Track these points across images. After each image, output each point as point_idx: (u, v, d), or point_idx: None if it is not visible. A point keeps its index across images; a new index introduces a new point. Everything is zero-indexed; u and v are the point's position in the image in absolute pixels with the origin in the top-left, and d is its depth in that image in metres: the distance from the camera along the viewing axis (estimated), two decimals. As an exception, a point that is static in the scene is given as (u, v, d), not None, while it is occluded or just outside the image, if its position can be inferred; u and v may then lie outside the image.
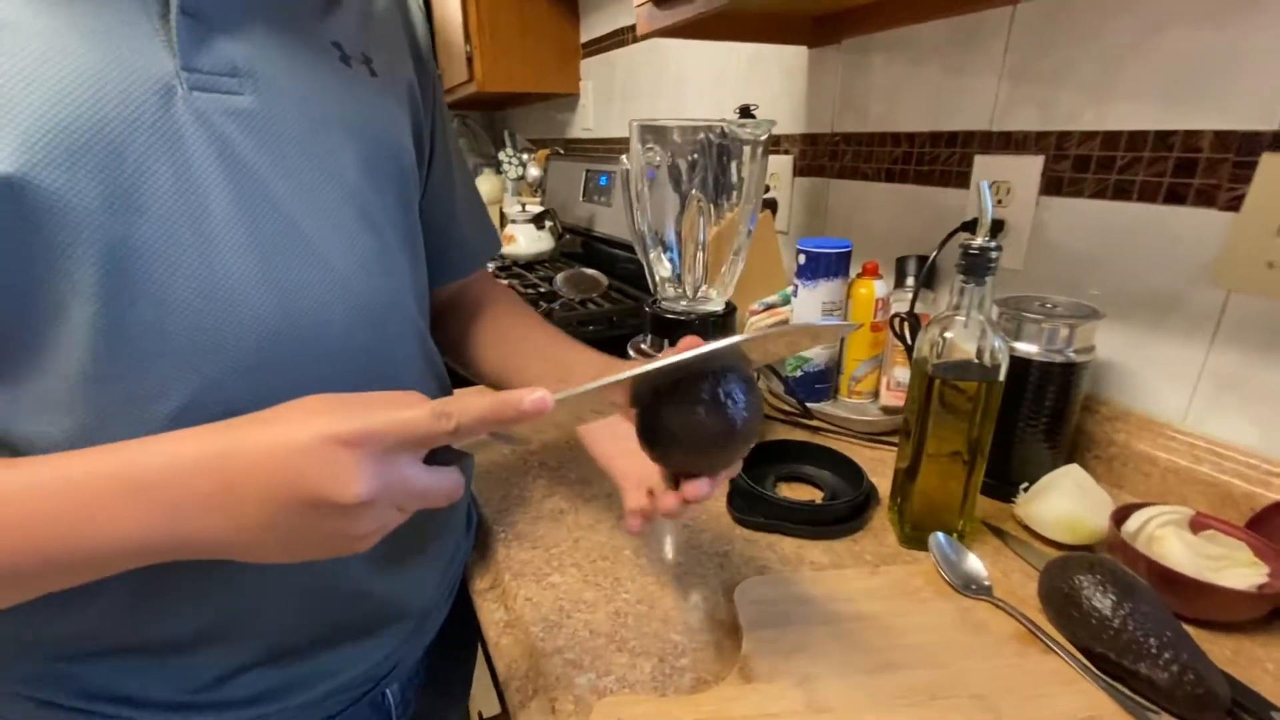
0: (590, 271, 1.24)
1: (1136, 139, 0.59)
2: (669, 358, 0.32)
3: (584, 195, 1.49)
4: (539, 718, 0.40)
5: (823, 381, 0.79)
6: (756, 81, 1.07)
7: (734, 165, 0.64)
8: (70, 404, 0.32)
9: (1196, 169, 0.55)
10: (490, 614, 0.49)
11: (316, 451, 0.27)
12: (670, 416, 0.35)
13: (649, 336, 0.67)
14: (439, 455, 0.32)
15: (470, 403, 0.29)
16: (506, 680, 0.43)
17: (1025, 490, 0.57)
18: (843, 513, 0.56)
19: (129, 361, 0.32)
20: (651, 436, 0.36)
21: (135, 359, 0.32)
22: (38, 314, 0.31)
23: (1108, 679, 0.39)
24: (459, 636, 0.58)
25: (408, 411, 0.29)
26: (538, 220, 1.51)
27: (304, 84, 0.39)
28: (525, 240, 1.50)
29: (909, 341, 0.70)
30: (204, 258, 0.33)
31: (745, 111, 0.89)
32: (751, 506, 0.58)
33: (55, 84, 0.29)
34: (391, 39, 0.47)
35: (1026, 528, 0.56)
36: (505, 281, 1.37)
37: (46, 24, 0.29)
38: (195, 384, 0.33)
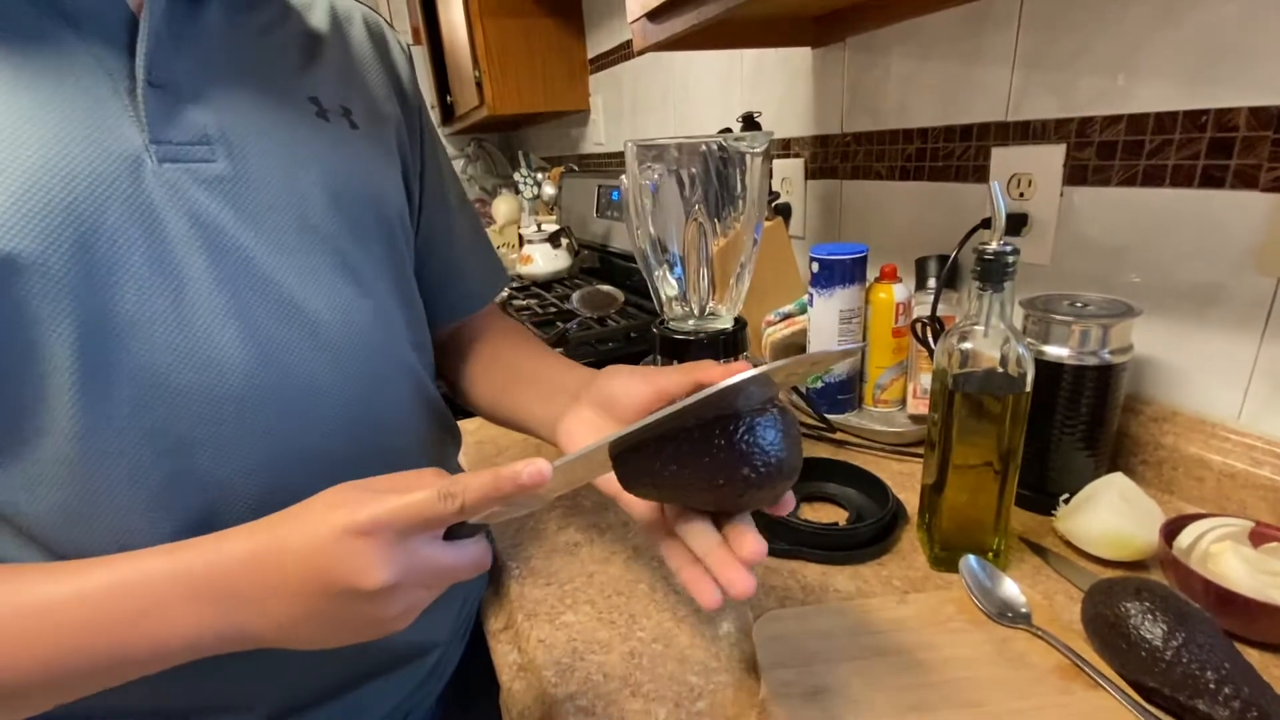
0: (605, 288, 1.23)
1: (1165, 120, 0.55)
2: (664, 410, 0.30)
3: (597, 211, 1.49)
4: (551, 770, 0.39)
5: (845, 392, 0.76)
6: (763, 85, 1.05)
7: (737, 177, 0.62)
8: (58, 479, 0.32)
9: (1233, 149, 0.51)
10: (504, 656, 0.48)
11: (339, 544, 0.28)
12: (683, 465, 0.31)
13: (658, 358, 0.66)
14: (459, 529, 0.32)
15: (472, 480, 0.29)
16: (518, 730, 0.42)
17: (1065, 502, 0.54)
18: (867, 535, 0.53)
19: (113, 434, 0.32)
20: (658, 482, 0.33)
21: (119, 432, 0.32)
22: (20, 392, 0.31)
23: (1164, 717, 0.36)
24: (476, 680, 0.57)
25: (415, 495, 0.29)
26: (553, 239, 1.51)
27: (279, 144, 0.39)
28: (542, 259, 1.51)
29: (932, 346, 0.67)
30: (182, 327, 0.33)
31: (749, 120, 0.87)
32: (772, 532, 0.55)
33: (26, 166, 0.29)
34: (373, 82, 0.47)
35: (1068, 543, 0.52)
36: (523, 301, 1.37)
37: (11, 104, 0.30)
38: (179, 450, 0.33)
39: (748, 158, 0.61)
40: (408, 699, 0.47)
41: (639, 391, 0.40)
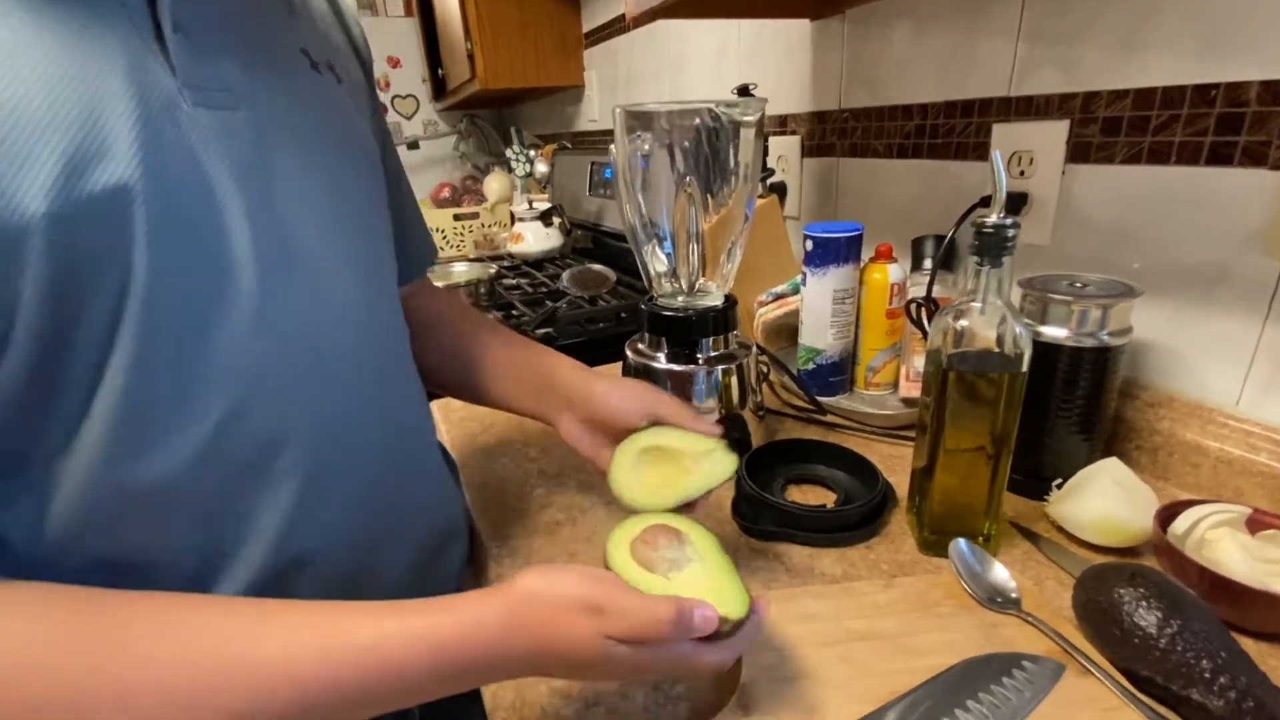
0: (597, 267, 1.21)
1: (1172, 95, 0.53)
2: None
3: (590, 189, 1.46)
4: (524, 754, 0.37)
5: (837, 374, 0.75)
6: (759, 60, 1.02)
7: (730, 149, 0.60)
8: (108, 414, 0.30)
9: (1242, 125, 0.49)
10: (480, 637, 0.47)
11: (594, 643, 0.32)
12: None
13: (646, 336, 0.64)
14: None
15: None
16: (492, 710, 0.41)
17: (1058, 487, 0.52)
18: (855, 518, 0.52)
19: (164, 374, 0.31)
20: None
21: (172, 372, 0.31)
22: (96, 349, 0.29)
23: (1155, 706, 0.35)
24: None
25: (654, 616, 0.32)
26: (545, 217, 1.48)
27: (286, 93, 0.38)
28: (533, 238, 1.48)
29: (926, 328, 0.65)
30: (224, 274, 0.33)
31: (744, 92, 0.85)
32: (758, 513, 0.54)
33: (77, 109, 0.28)
34: (338, 42, 0.47)
35: (1060, 529, 0.51)
36: (513, 280, 1.34)
37: (50, 46, 0.27)
38: (223, 401, 0.33)
39: (741, 130, 0.59)
40: None
41: (631, 417, 0.47)
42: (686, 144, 0.60)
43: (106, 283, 0.28)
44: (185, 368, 0.32)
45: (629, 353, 0.65)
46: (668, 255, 0.64)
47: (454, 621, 0.31)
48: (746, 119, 0.56)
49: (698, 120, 0.58)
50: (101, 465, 0.30)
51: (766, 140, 1.01)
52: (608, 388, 0.49)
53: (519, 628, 0.31)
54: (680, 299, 0.64)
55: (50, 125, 0.27)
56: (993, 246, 0.42)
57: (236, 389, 0.33)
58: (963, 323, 0.44)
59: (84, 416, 0.29)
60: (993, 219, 0.41)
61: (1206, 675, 0.34)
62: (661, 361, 0.62)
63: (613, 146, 0.63)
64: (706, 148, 0.59)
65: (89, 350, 0.29)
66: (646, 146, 0.60)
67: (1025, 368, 0.44)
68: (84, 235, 0.27)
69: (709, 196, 0.61)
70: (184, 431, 0.32)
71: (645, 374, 0.62)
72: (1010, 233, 0.41)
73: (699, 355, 0.61)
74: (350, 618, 0.31)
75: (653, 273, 0.65)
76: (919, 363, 0.70)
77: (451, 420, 0.77)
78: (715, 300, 0.63)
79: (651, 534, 0.40)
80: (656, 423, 0.47)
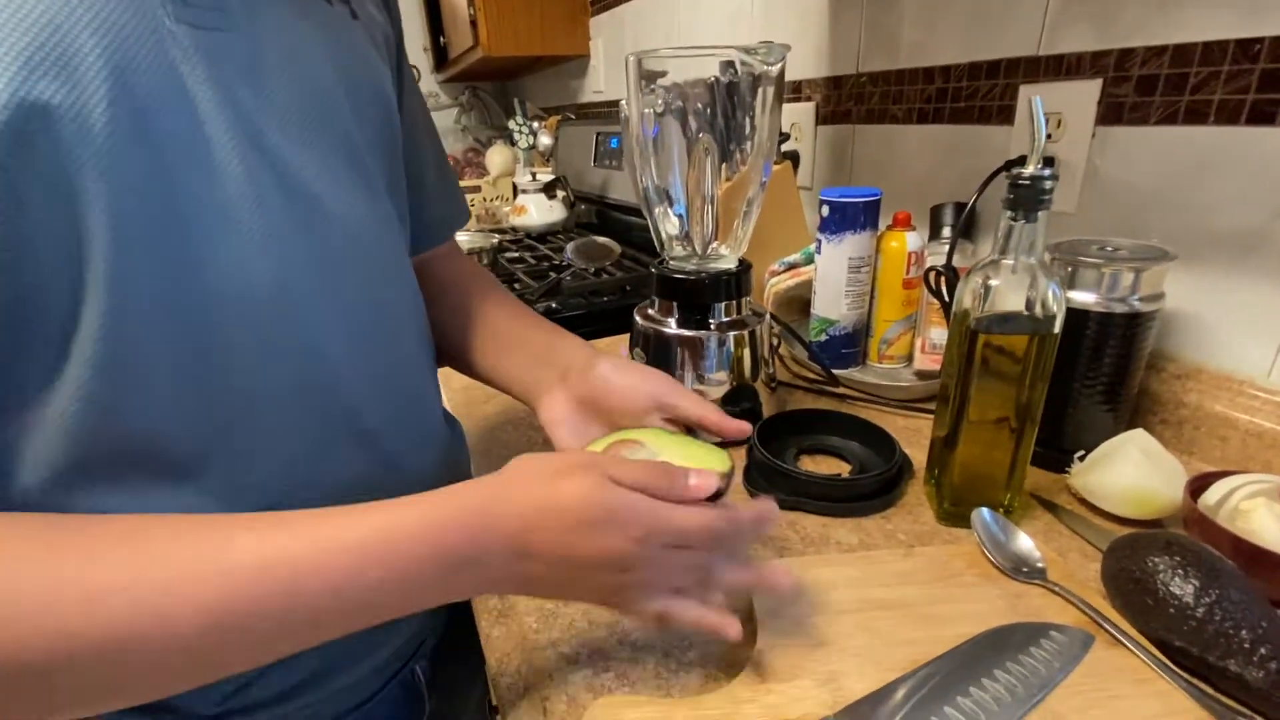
0: (602, 239, 1.18)
1: (1213, 51, 0.50)
2: None
3: (595, 160, 1.43)
4: (529, 718, 0.36)
5: (850, 345, 0.73)
6: (774, 24, 0.99)
7: (747, 105, 0.57)
8: (82, 378, 0.28)
9: (1289, 81, 0.47)
10: (484, 601, 0.45)
11: (603, 489, 0.31)
12: None
13: (656, 300, 0.62)
14: None
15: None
16: (497, 676, 0.39)
17: (1081, 459, 0.51)
18: (872, 487, 0.51)
19: (138, 328, 0.29)
20: None
21: (145, 327, 0.29)
22: (65, 275, 0.27)
23: (1189, 677, 0.33)
24: (466, 613, 0.55)
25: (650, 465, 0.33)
26: (548, 189, 1.45)
27: (289, 21, 0.35)
28: (536, 211, 1.45)
29: (946, 298, 0.63)
30: (217, 211, 0.30)
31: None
32: (771, 482, 0.53)
33: (37, 13, 0.25)
34: None
35: (1083, 500, 0.50)
36: (516, 254, 1.32)
37: None
38: (206, 354, 0.31)
39: (759, 85, 0.57)
40: (422, 628, 0.48)
41: (637, 399, 0.44)
42: (702, 102, 0.57)
43: (63, 205, 0.26)
44: (170, 308, 0.29)
45: (638, 318, 0.63)
46: (680, 217, 0.62)
47: (425, 508, 0.29)
48: (768, 67, 0.53)
49: (715, 73, 0.55)
50: (82, 412, 0.28)
51: (781, 101, 0.98)
52: (614, 365, 0.46)
53: (506, 501, 0.30)
54: (693, 262, 0.62)
55: (4, 26, 0.24)
56: (1029, 199, 0.39)
57: (227, 334, 0.31)
58: (994, 281, 0.42)
59: (63, 358, 0.27)
60: (1030, 170, 0.39)
61: (1246, 646, 0.32)
62: (672, 326, 0.60)
63: (623, 102, 0.61)
64: (723, 103, 0.57)
65: (58, 294, 0.27)
66: (660, 102, 0.58)
67: (1058, 329, 0.42)
68: (36, 152, 0.25)
69: (724, 157, 0.59)
70: (168, 379, 0.30)
71: (654, 339, 0.61)
72: (1048, 184, 0.39)
73: (711, 320, 0.59)
74: (329, 521, 0.29)
75: (664, 235, 0.63)
76: (935, 334, 0.68)
77: (454, 388, 0.76)
78: (729, 264, 0.61)
79: (613, 452, 0.39)
80: (668, 418, 0.44)
